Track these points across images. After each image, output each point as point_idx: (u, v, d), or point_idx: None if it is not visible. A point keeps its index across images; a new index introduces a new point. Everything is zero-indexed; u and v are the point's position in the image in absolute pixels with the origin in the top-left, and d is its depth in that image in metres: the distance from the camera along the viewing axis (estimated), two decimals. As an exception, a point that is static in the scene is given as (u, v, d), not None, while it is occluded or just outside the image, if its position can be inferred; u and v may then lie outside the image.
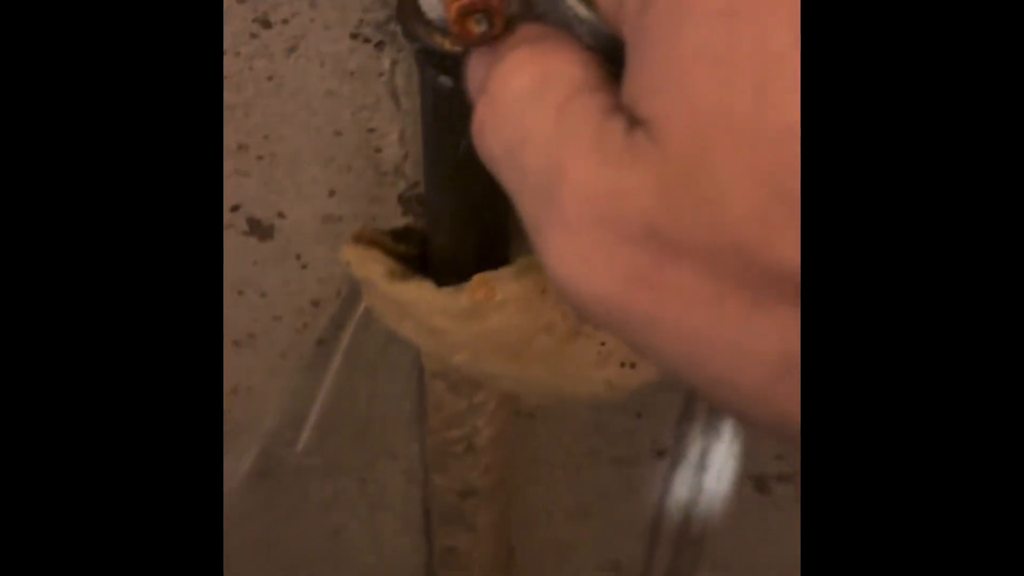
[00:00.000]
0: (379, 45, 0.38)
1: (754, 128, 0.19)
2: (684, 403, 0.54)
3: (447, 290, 0.37)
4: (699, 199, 0.20)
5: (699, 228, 0.20)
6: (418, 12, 0.31)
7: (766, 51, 0.19)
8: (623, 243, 0.21)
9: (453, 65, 0.33)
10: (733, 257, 0.20)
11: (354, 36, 0.38)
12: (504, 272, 0.36)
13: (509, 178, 0.24)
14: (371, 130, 0.41)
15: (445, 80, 0.33)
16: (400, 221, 0.45)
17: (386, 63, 0.39)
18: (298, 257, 0.47)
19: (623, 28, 0.23)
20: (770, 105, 0.19)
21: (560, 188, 0.22)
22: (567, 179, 0.22)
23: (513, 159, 0.24)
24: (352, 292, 0.47)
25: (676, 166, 0.20)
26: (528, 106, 0.24)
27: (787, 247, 0.19)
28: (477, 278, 0.36)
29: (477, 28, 0.28)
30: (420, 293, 0.37)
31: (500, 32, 0.29)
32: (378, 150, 0.42)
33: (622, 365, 0.36)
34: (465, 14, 0.28)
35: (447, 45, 0.31)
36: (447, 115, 0.35)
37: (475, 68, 0.29)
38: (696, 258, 0.20)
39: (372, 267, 0.39)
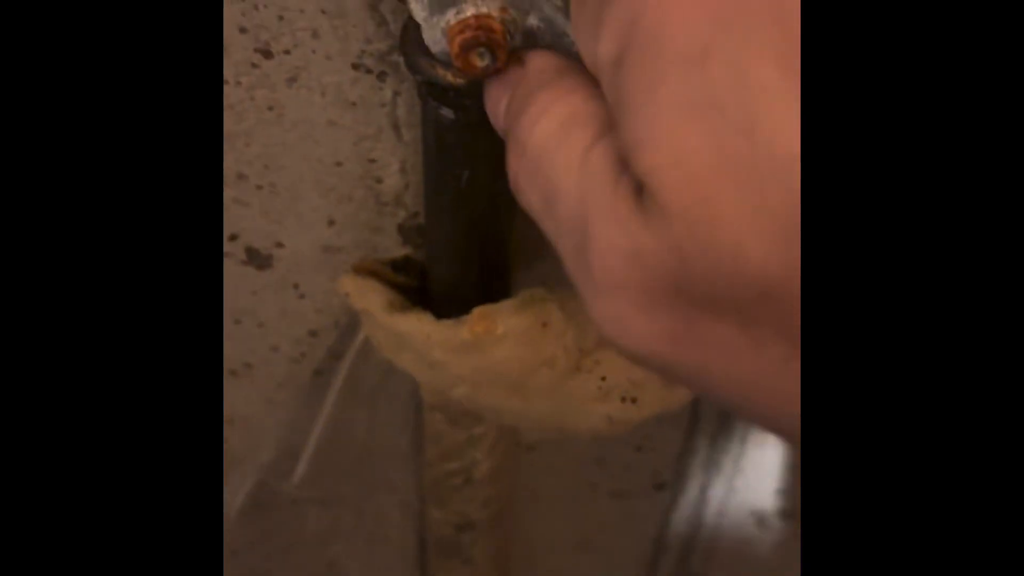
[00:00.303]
0: (381, 76, 0.38)
1: (754, 168, 0.19)
2: (684, 437, 0.53)
3: (447, 322, 0.37)
4: (713, 254, 0.19)
5: (722, 282, 0.20)
6: (421, 45, 0.31)
7: (748, 87, 0.19)
8: (655, 304, 0.21)
9: (456, 97, 0.33)
10: (763, 306, 0.19)
11: (356, 66, 0.38)
12: (505, 305, 0.36)
13: (547, 229, 0.24)
14: (372, 160, 0.41)
15: (447, 112, 0.33)
16: (400, 251, 0.44)
17: (388, 94, 0.39)
18: (296, 287, 0.46)
19: (601, 83, 0.23)
20: (766, 140, 0.18)
21: (589, 248, 0.22)
22: (593, 240, 0.22)
23: (548, 211, 0.24)
24: (351, 322, 0.46)
25: (682, 224, 0.20)
26: (555, 154, 0.24)
27: None
28: (478, 311, 0.36)
29: (480, 62, 0.28)
30: (419, 325, 0.37)
31: (503, 65, 0.28)
32: (379, 180, 0.42)
33: (623, 400, 0.36)
34: (468, 48, 0.28)
35: (450, 78, 0.31)
36: (449, 147, 0.35)
37: (493, 96, 0.28)
38: (727, 311, 0.20)
39: (371, 298, 0.39)
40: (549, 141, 0.24)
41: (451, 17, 0.28)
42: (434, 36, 0.29)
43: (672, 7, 0.20)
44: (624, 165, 0.22)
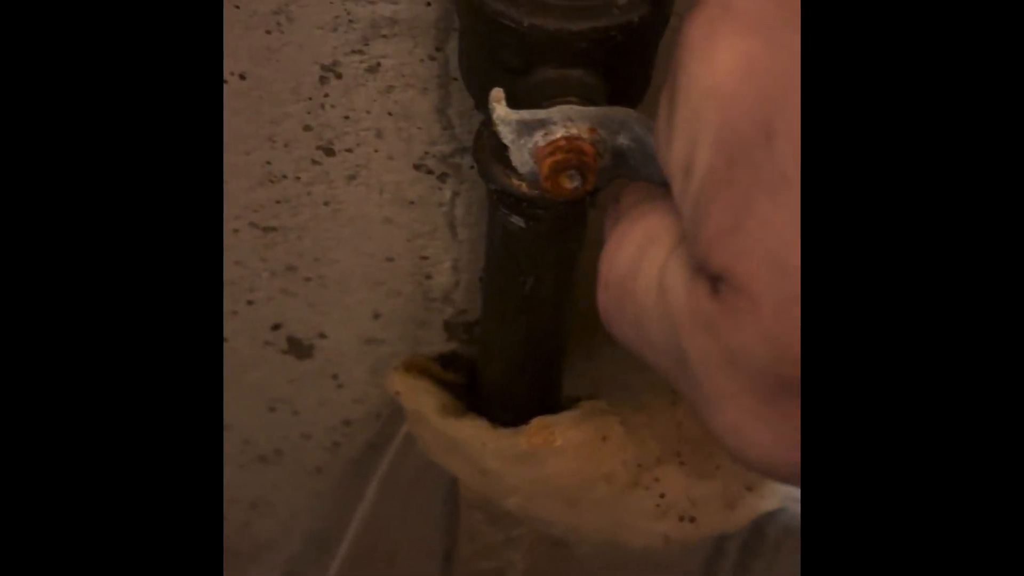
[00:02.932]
0: (442, 176, 0.37)
1: None
2: (716, 540, 0.52)
3: (504, 432, 0.36)
4: None
5: None
6: (495, 152, 0.30)
7: None
8: (766, 407, 0.20)
9: (528, 207, 0.32)
10: None
11: (417, 167, 0.37)
12: (564, 417, 0.35)
13: (646, 357, 0.23)
14: (424, 257, 0.40)
15: (517, 220, 0.33)
16: (444, 346, 0.44)
17: (448, 194, 0.38)
18: (335, 377, 0.46)
19: (674, 193, 0.22)
20: None
21: (689, 367, 0.21)
22: (688, 354, 0.21)
23: (642, 337, 0.23)
24: (391, 415, 0.45)
25: (771, 306, 0.19)
26: (636, 278, 0.23)
27: None
28: (536, 422, 0.35)
29: (570, 184, 0.28)
30: (475, 432, 0.36)
31: (592, 187, 0.28)
32: (429, 276, 0.41)
33: (681, 519, 0.35)
34: (559, 170, 0.28)
35: (524, 188, 0.31)
36: (515, 254, 0.34)
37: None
38: None
39: (424, 400, 0.38)
40: (628, 268, 0.24)
41: (539, 139, 0.28)
42: (522, 158, 0.28)
43: (728, 97, 0.20)
44: (697, 271, 0.21)
